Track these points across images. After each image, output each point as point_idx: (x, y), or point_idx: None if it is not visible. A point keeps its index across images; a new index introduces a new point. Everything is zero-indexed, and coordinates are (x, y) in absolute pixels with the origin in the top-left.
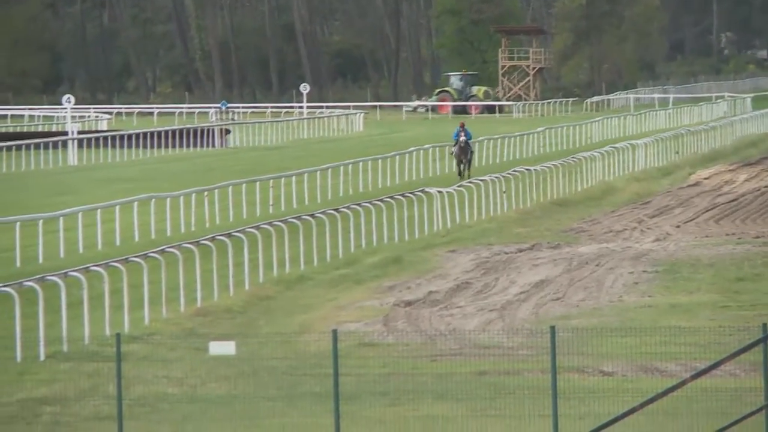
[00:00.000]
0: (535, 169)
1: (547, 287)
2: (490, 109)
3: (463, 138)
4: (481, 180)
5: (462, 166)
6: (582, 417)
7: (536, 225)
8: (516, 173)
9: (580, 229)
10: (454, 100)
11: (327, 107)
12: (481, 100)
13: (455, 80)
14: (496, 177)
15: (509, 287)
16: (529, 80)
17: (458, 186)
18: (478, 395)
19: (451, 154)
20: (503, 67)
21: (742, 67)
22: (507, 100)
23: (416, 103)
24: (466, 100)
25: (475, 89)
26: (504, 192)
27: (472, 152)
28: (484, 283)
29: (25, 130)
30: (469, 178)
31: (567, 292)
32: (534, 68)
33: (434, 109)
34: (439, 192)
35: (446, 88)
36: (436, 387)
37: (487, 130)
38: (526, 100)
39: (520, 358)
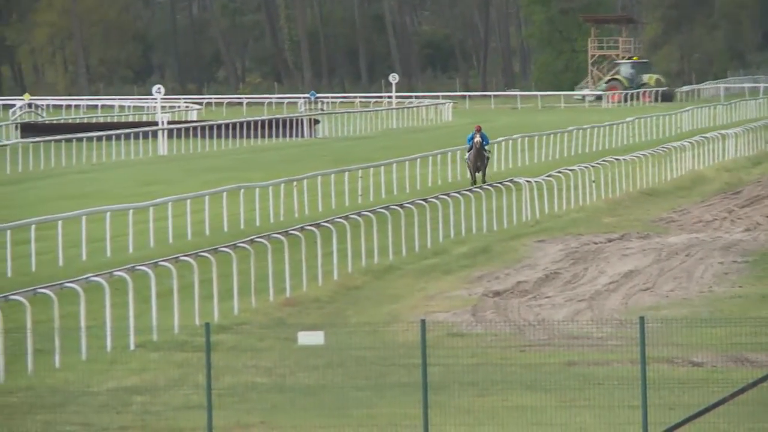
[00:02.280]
0: (624, 159)
1: (637, 277)
2: (665, 97)
3: (478, 140)
4: (570, 170)
5: (477, 173)
6: (672, 408)
7: (625, 215)
8: (605, 163)
9: (669, 219)
10: (625, 89)
11: (416, 97)
12: (652, 88)
13: (625, 68)
14: (585, 166)
15: (598, 277)
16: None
17: (547, 176)
18: (566, 386)
19: (465, 159)
20: (592, 56)
21: None
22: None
23: (585, 91)
24: (637, 89)
25: (646, 77)
26: (593, 181)
27: (488, 158)
28: (572, 273)
29: (115, 120)
30: (483, 182)
31: (656, 282)
32: (623, 57)
33: (601, 98)
34: (528, 182)
35: (616, 77)
36: (524, 377)
37: (576, 120)
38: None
39: (609, 348)
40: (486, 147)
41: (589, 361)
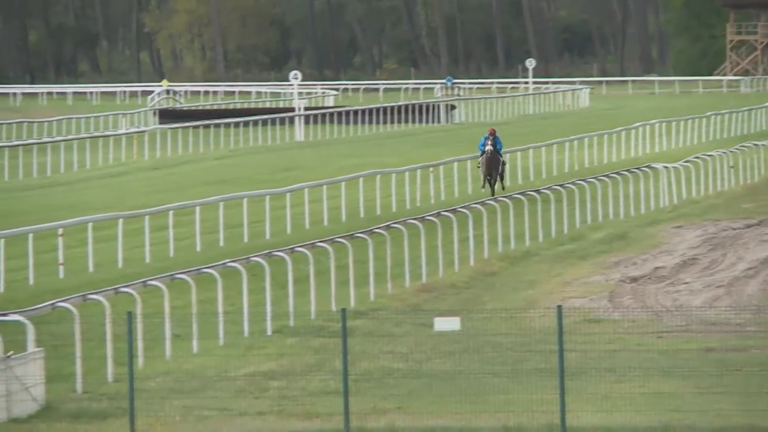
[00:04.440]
0: (763, 144)
1: None
2: None
3: (489, 147)
4: (708, 155)
5: (491, 180)
6: None
7: (765, 200)
8: (743, 148)
9: None
10: None
11: (552, 83)
12: None
13: None
14: (724, 152)
15: (737, 263)
16: (757, 55)
17: (685, 162)
18: (704, 372)
19: (477, 167)
20: (731, 41)
21: None
22: (735, 75)
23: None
24: None
25: None
26: (732, 167)
27: (503, 164)
28: (710, 259)
29: (252, 106)
30: (503, 189)
31: None
32: (762, 42)
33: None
34: (665, 167)
35: None
36: (662, 363)
37: (715, 105)
38: (753, 75)
39: (747, 334)
40: (500, 153)
41: (728, 347)
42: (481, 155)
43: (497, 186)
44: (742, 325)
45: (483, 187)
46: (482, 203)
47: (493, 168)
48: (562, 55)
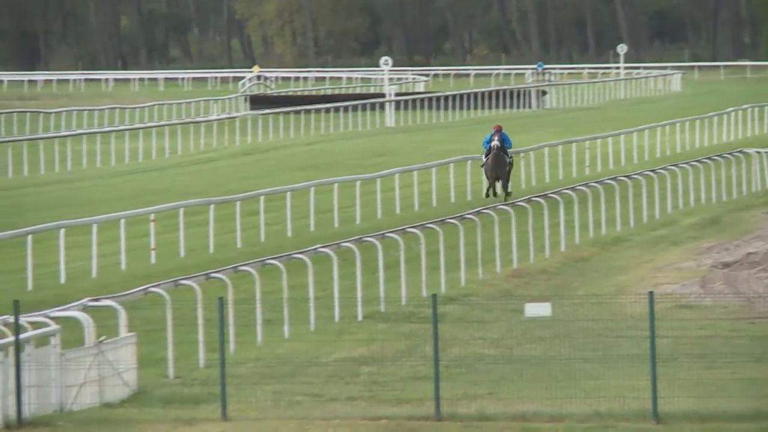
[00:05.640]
0: None
1: None
2: None
3: (495, 143)
4: None
5: (496, 182)
6: None
7: None
8: None
9: None
10: None
11: (644, 68)
12: None
13: None
14: None
15: None
16: None
17: None
18: None
19: (482, 166)
20: None
21: None
22: None
23: None
24: None
25: None
26: None
27: (510, 164)
28: None
29: (343, 92)
30: (506, 198)
31: None
32: None
33: None
34: (758, 152)
35: None
36: (754, 350)
37: None
38: None
39: None
40: (508, 151)
41: None
42: (487, 153)
43: (500, 192)
44: None
45: (487, 194)
46: (573, 188)
47: (499, 167)
48: (653, 40)
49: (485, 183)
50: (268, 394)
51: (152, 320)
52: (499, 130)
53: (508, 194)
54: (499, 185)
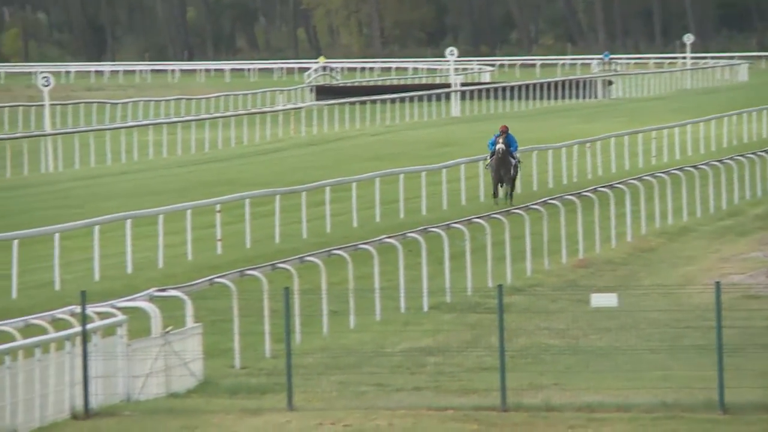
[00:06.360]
0: None
1: None
2: None
3: (500, 146)
4: None
5: (502, 185)
6: None
7: None
8: None
9: None
10: None
11: (711, 57)
12: None
13: None
14: None
15: None
16: None
17: None
18: None
19: (486, 168)
20: None
21: None
22: None
23: None
24: None
25: None
26: None
27: (516, 167)
28: None
29: (408, 82)
30: (510, 204)
31: None
32: None
33: None
34: None
35: None
36: None
37: None
38: None
39: None
40: (514, 153)
41: None
42: (492, 155)
43: (505, 194)
44: None
45: (495, 196)
46: (639, 178)
47: (504, 169)
48: (720, 30)
49: (492, 185)
50: (333, 384)
51: (218, 311)
52: (504, 132)
53: (511, 201)
54: (502, 190)
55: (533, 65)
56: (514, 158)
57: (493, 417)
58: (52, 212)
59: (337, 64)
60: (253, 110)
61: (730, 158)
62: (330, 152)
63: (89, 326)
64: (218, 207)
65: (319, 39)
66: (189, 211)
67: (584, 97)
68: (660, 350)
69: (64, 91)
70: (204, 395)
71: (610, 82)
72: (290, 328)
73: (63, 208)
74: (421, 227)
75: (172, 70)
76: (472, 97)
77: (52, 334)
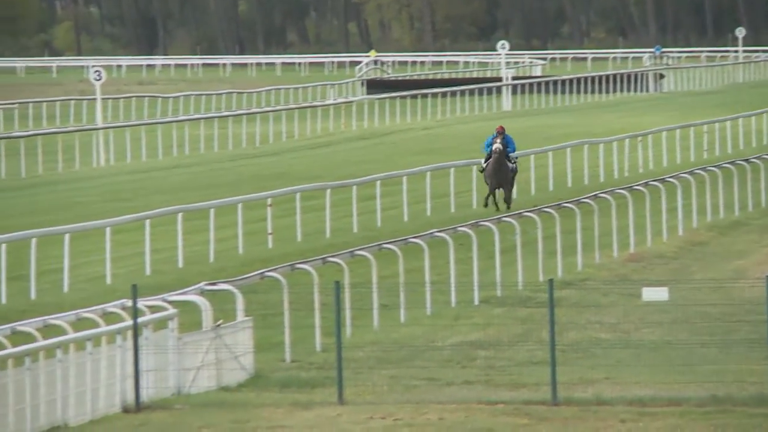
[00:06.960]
0: None
1: None
2: None
3: (497, 146)
4: None
5: (496, 190)
6: None
7: None
8: None
9: None
10: None
11: (762, 51)
12: None
13: None
14: None
15: None
16: None
17: None
18: None
19: (481, 171)
20: None
21: None
22: None
23: None
24: None
25: None
26: None
27: (514, 171)
28: None
29: (460, 76)
30: (508, 209)
31: None
32: None
33: None
34: None
35: None
36: None
37: None
38: None
39: None
40: (511, 156)
41: None
42: (487, 158)
43: (502, 201)
44: None
45: (486, 203)
46: (691, 172)
47: (501, 174)
48: None
49: (487, 190)
50: (384, 378)
51: (269, 304)
52: (501, 132)
53: (508, 206)
54: (499, 194)
55: (584, 59)
56: (511, 161)
57: (544, 411)
58: (103, 206)
59: (388, 57)
60: (304, 104)
61: None
62: (381, 146)
63: (140, 320)
64: (269, 201)
65: (370, 33)
66: (240, 205)
67: (635, 91)
68: (711, 344)
69: (116, 85)
70: (255, 389)
71: (662, 76)
72: (341, 322)
73: (114, 201)
74: (472, 221)
75: (224, 64)
76: (523, 91)
77: (104, 328)
